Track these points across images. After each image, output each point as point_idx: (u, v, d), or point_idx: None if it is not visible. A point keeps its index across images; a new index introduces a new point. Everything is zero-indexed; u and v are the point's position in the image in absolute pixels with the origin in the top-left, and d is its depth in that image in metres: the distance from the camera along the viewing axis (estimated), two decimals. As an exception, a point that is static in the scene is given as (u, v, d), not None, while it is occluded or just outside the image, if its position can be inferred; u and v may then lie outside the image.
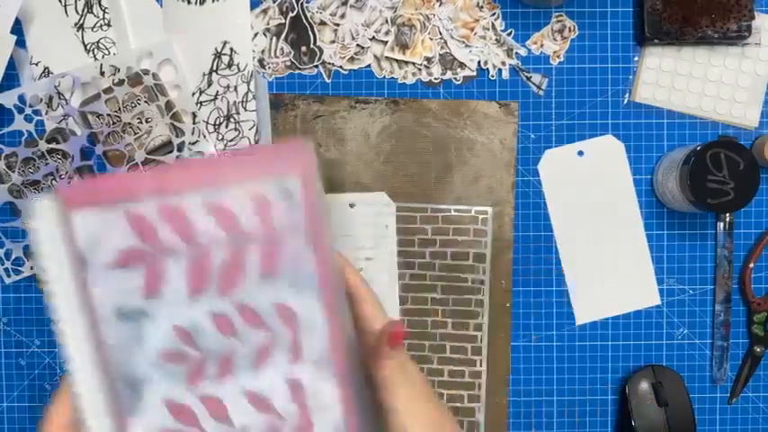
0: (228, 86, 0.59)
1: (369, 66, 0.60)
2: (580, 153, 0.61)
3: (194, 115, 0.59)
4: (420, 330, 0.60)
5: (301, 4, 0.59)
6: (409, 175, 0.60)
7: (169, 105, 0.59)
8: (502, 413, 0.60)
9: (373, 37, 0.59)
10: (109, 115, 0.58)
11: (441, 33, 0.59)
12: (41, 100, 0.59)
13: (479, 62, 0.60)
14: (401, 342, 0.39)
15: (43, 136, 0.58)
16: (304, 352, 0.34)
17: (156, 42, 0.59)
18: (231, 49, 0.59)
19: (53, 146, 0.58)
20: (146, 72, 0.58)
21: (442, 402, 0.45)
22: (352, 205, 0.60)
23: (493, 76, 0.60)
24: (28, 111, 0.58)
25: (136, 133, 0.58)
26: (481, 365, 0.60)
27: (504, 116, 0.60)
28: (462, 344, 0.60)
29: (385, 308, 0.60)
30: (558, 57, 0.60)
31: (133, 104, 0.58)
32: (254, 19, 0.59)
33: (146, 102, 0.58)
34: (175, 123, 0.59)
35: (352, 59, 0.60)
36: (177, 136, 0.59)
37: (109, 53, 0.59)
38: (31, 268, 0.60)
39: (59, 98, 0.59)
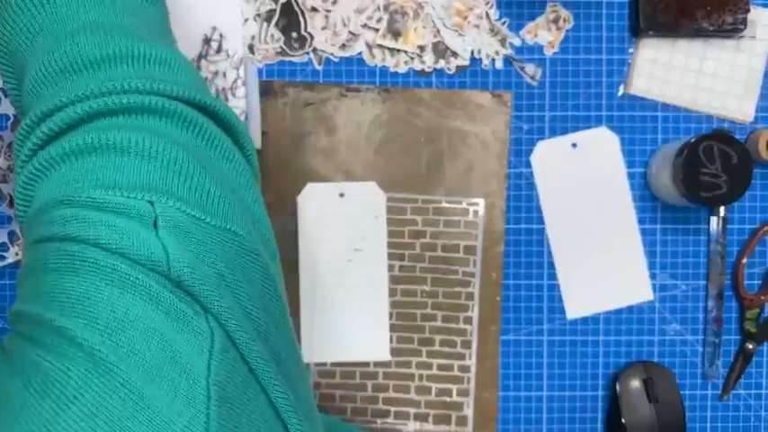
0: (217, 72, 0.58)
1: (360, 53, 0.59)
2: (573, 145, 0.60)
3: (183, 101, 0.58)
4: (409, 323, 0.60)
5: (293, -10, 0.59)
6: (400, 165, 0.60)
7: (157, 91, 0.58)
8: (491, 407, 0.60)
9: (365, 24, 0.59)
10: (96, 100, 0.57)
11: (433, 21, 0.59)
12: (28, 83, 0.58)
13: (472, 51, 0.59)
14: None
15: (29, 120, 0.58)
16: None
17: (146, 27, 0.58)
18: (221, 35, 0.58)
19: (39, 130, 0.58)
20: (134, 57, 0.58)
21: None
22: (341, 195, 0.59)
23: (486, 66, 0.60)
24: (14, 94, 0.58)
25: (123, 118, 0.58)
26: (470, 359, 0.60)
27: (496, 106, 0.60)
28: (452, 337, 0.60)
29: (374, 299, 0.59)
30: (553, 47, 0.60)
31: (121, 89, 0.58)
32: (244, 4, 0.59)
33: (134, 87, 0.58)
34: (164, 109, 0.58)
35: (343, 47, 0.59)
36: (165, 122, 0.58)
37: (97, 37, 0.59)
38: (16, 254, 0.59)
39: (46, 82, 0.58)
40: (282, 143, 0.60)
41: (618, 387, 0.58)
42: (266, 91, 0.59)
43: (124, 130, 0.33)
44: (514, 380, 0.60)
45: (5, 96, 0.58)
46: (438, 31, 0.59)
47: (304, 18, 0.59)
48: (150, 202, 0.31)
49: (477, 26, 0.59)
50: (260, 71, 0.60)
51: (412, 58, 0.59)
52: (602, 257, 0.60)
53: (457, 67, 0.60)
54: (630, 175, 0.60)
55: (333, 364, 0.60)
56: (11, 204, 0.58)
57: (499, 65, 0.60)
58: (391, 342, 0.60)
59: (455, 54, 0.59)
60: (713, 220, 0.60)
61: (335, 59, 0.60)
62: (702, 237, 0.61)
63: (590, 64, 0.60)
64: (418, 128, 0.60)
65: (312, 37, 0.59)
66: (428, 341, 0.60)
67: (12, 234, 0.59)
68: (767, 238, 0.60)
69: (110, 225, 0.30)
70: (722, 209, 0.60)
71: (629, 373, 0.59)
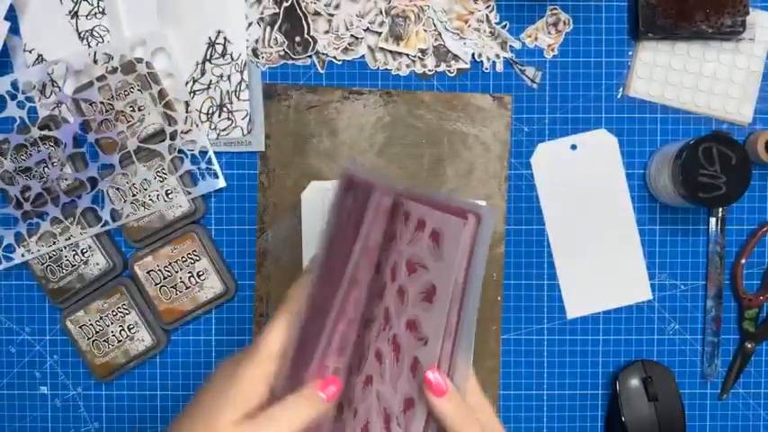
0: (222, 76, 0.59)
1: (363, 57, 0.60)
2: (573, 147, 0.61)
3: (187, 104, 0.59)
4: (411, 322, 0.60)
5: (296, -6, 0.59)
6: (402, 167, 0.60)
7: (162, 94, 0.59)
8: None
9: (367, 28, 0.59)
10: (102, 103, 0.58)
11: (435, 25, 0.59)
12: (34, 87, 0.59)
13: (473, 54, 0.60)
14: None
15: (36, 123, 0.58)
16: None
17: (150, 31, 0.59)
18: (225, 39, 0.59)
19: (45, 133, 0.58)
20: (139, 60, 0.58)
21: None
22: (344, 196, 0.60)
23: (487, 69, 0.60)
24: (20, 97, 0.58)
25: (128, 121, 0.58)
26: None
27: (497, 109, 0.60)
28: (453, 337, 0.60)
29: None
30: (553, 50, 0.60)
31: (126, 93, 0.58)
32: (248, 8, 0.59)
33: (139, 90, 0.58)
34: (168, 112, 0.59)
35: (345, 50, 0.60)
36: (170, 125, 0.59)
37: (103, 41, 0.59)
38: (23, 255, 0.60)
39: (52, 85, 0.59)
40: (286, 145, 0.60)
41: (618, 386, 0.59)
42: (270, 94, 0.60)
43: None
44: (515, 379, 0.61)
45: (12, 99, 0.58)
46: (439, 34, 0.60)
47: (307, 22, 0.59)
48: None
49: (477, 30, 0.60)
50: (263, 74, 0.60)
51: (413, 62, 0.60)
52: (602, 258, 0.61)
53: (458, 69, 0.60)
54: (630, 177, 0.61)
55: (336, 364, 0.60)
56: (17, 206, 0.59)
57: (500, 68, 0.60)
58: (393, 342, 0.60)
59: (456, 57, 0.60)
60: (712, 220, 0.60)
61: (338, 63, 0.60)
62: (701, 237, 0.61)
63: (589, 66, 0.60)
64: (420, 130, 0.60)
65: (315, 41, 0.60)
66: (430, 341, 0.60)
67: (18, 235, 0.59)
68: (766, 238, 0.61)
69: None
70: (721, 209, 0.60)
71: (629, 371, 0.59)
